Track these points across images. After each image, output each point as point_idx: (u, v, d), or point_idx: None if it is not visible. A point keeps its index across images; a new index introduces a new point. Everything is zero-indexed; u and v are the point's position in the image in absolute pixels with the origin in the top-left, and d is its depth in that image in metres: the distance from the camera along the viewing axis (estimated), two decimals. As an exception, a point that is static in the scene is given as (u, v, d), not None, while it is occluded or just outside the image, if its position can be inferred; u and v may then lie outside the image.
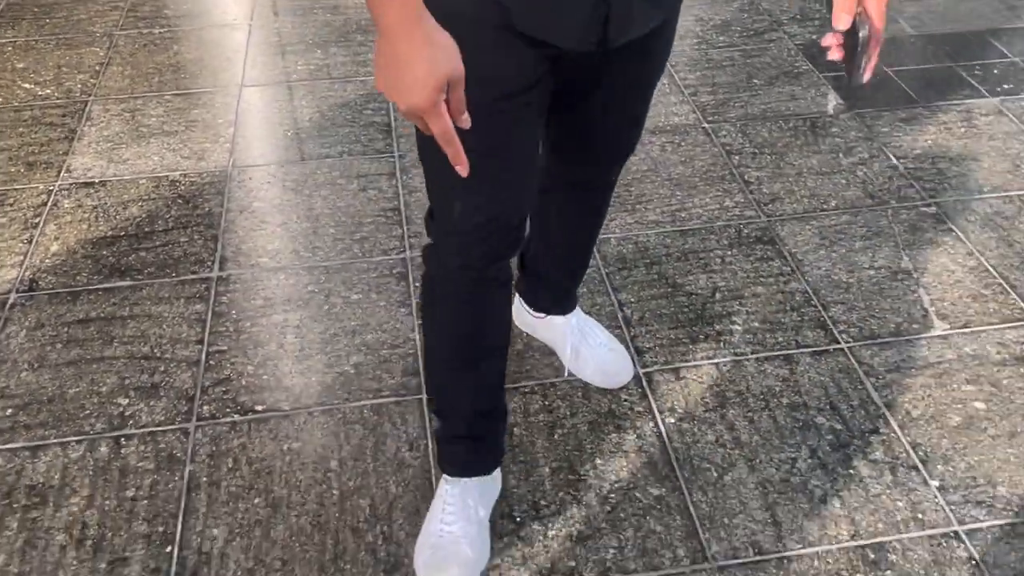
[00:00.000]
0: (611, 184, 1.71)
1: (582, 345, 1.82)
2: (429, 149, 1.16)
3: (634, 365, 1.75)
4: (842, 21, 0.99)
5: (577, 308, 1.88)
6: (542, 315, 1.87)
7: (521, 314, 1.93)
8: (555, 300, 1.85)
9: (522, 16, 1.11)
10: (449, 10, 1.03)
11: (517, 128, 1.28)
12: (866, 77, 1.05)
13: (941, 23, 3.08)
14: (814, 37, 2.97)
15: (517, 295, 1.88)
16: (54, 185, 2.37)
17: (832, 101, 2.71)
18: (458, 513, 1.50)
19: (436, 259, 1.39)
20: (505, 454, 1.60)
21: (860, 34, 0.99)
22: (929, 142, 2.52)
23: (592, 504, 1.59)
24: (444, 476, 1.55)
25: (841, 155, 2.49)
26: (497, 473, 1.61)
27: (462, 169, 1.03)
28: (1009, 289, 1.99)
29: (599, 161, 1.58)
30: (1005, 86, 2.74)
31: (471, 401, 1.53)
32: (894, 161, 2.43)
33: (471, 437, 1.54)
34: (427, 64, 0.97)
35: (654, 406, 1.76)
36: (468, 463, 1.55)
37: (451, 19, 1.04)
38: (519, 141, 1.30)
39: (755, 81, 2.76)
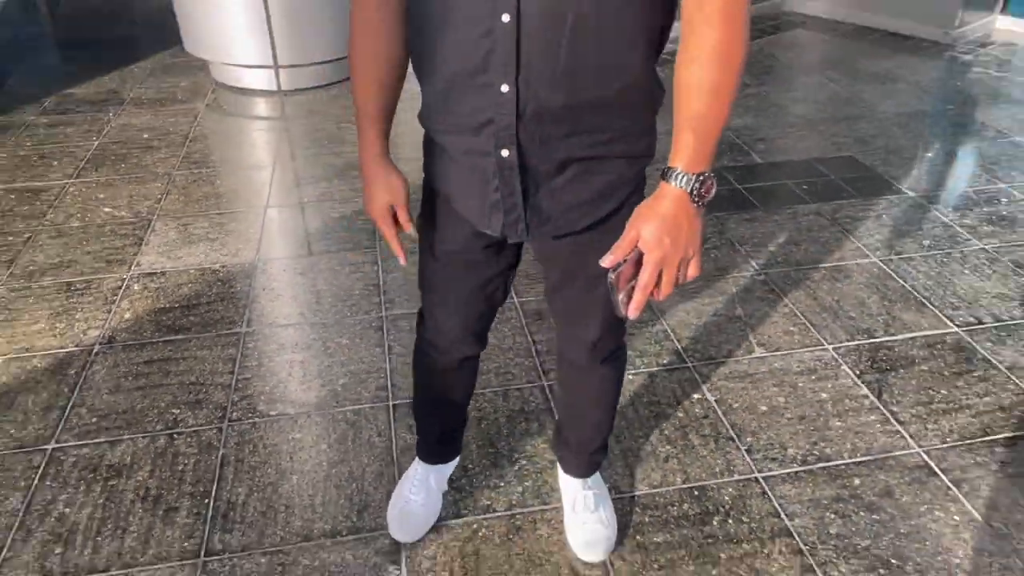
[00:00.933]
0: (599, 373, 1.47)
1: (578, 508, 1.64)
2: (420, 273, 1.37)
3: (616, 543, 1.63)
4: (605, 261, 0.95)
5: (596, 475, 1.71)
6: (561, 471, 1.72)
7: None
8: (570, 463, 1.69)
9: (457, 204, 1.18)
10: (427, 184, 1.24)
11: (456, 280, 1.32)
12: (624, 312, 0.96)
13: (783, 154, 3.40)
14: None
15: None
16: (127, 275, 2.58)
17: None
18: (420, 487, 1.67)
19: (418, 340, 1.51)
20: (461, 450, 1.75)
21: (609, 277, 0.92)
22: (764, 234, 2.79)
23: (504, 466, 1.85)
24: (417, 458, 1.71)
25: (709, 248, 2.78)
26: (455, 459, 1.75)
27: (401, 260, 1.25)
28: (811, 327, 2.28)
29: (574, 342, 1.41)
30: (823, 196, 3.03)
31: (438, 428, 1.67)
32: (737, 247, 2.71)
33: (438, 442, 1.70)
34: (379, 192, 1.22)
35: (553, 406, 2.01)
36: (435, 456, 1.71)
37: (425, 188, 1.26)
38: (455, 289, 1.34)
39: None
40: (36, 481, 1.80)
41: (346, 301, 2.47)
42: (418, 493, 1.67)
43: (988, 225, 2.83)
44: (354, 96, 1.18)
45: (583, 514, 1.62)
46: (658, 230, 0.92)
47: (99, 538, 1.66)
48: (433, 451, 1.71)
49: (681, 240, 0.93)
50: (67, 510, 1.73)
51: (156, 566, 1.60)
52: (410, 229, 1.27)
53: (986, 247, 2.69)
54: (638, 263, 0.93)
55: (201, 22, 4.10)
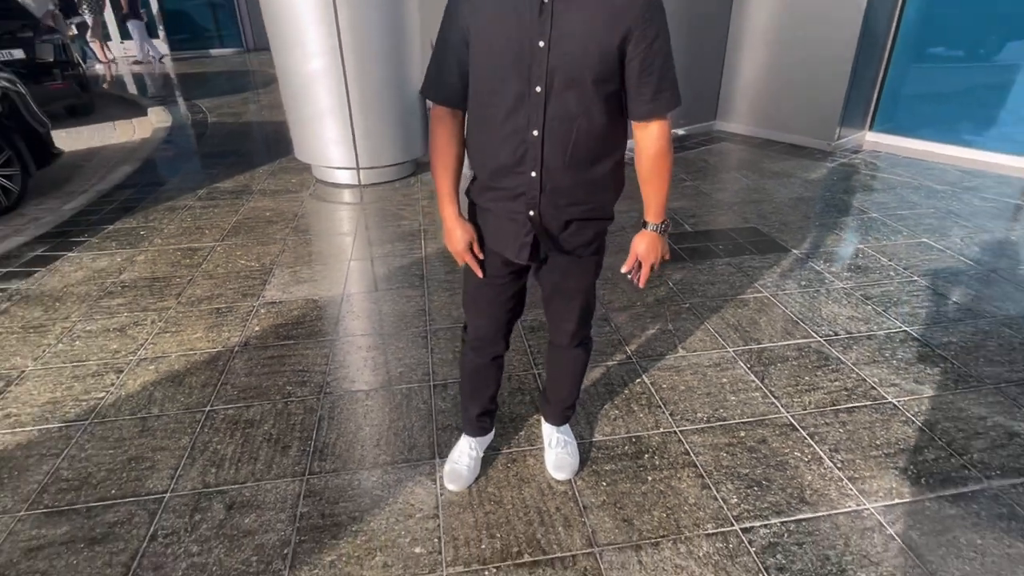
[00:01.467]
0: (573, 353, 1.65)
1: (553, 445, 1.82)
2: (465, 296, 1.51)
3: (577, 469, 1.80)
4: (624, 268, 1.38)
5: (566, 426, 1.86)
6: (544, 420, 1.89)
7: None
8: (549, 414, 1.84)
9: (497, 245, 1.39)
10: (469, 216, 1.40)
11: (492, 296, 1.48)
12: (641, 285, 1.39)
13: (706, 226, 3.51)
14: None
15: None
16: (255, 303, 2.78)
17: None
18: (465, 455, 1.77)
19: (463, 344, 1.65)
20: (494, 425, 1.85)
21: (629, 274, 1.39)
22: (691, 278, 2.92)
23: (506, 422, 2.00)
24: (463, 433, 1.81)
25: (648, 284, 2.93)
26: (491, 433, 1.85)
27: (479, 272, 1.40)
28: (719, 337, 2.45)
29: (559, 332, 1.59)
30: (733, 253, 3.15)
31: (478, 409, 1.74)
32: (671, 286, 2.86)
33: (478, 420, 1.77)
34: (460, 235, 1.37)
35: (539, 383, 2.16)
36: (476, 431, 1.79)
37: (470, 220, 1.41)
38: (491, 302, 1.49)
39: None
40: (198, 429, 2.03)
41: (402, 319, 2.66)
42: (462, 459, 1.77)
43: (847, 272, 3.02)
44: (438, 182, 1.36)
45: (557, 448, 1.82)
46: (646, 250, 1.36)
47: (239, 464, 1.89)
48: (475, 427, 1.78)
49: (656, 252, 1.37)
50: (218, 447, 1.95)
51: (276, 480, 1.82)
52: (482, 256, 1.43)
53: (844, 286, 2.88)
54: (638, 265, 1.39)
55: (306, 137, 4.39)
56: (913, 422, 2.00)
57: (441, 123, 1.32)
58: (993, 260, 3.04)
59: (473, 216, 1.44)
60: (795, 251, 3.24)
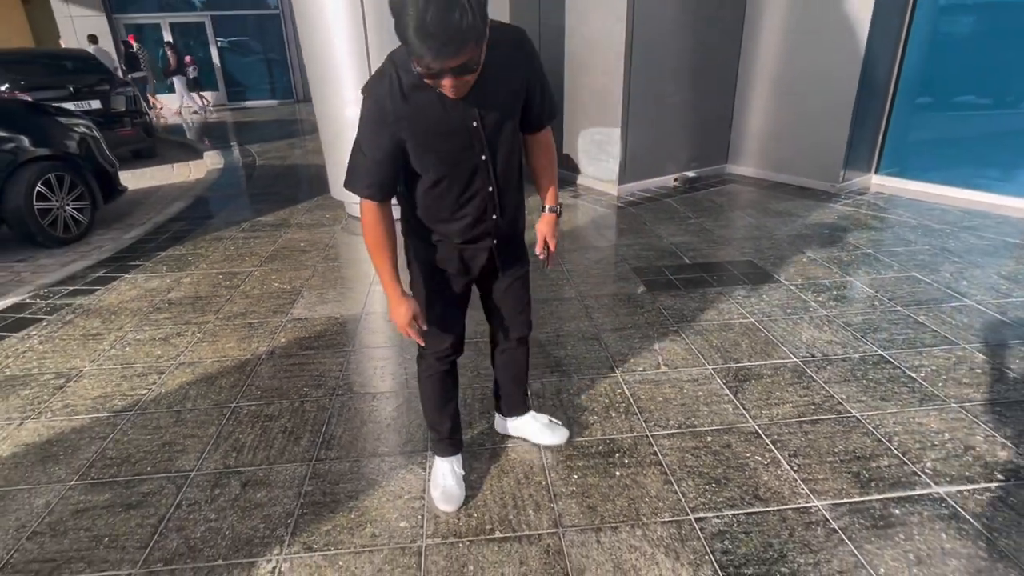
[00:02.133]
0: (524, 346, 1.87)
1: (539, 418, 2.06)
2: (430, 326, 1.62)
3: (568, 433, 2.05)
4: (538, 250, 1.67)
5: (531, 410, 2.07)
6: (512, 417, 2.03)
7: (499, 422, 2.08)
8: (511, 407, 2.01)
9: (457, 269, 1.58)
10: (422, 260, 1.57)
11: (457, 309, 1.66)
12: (550, 266, 1.71)
13: (704, 258, 3.69)
14: (637, 265, 3.74)
15: (496, 412, 2.08)
16: (284, 319, 3.05)
17: (640, 288, 3.34)
18: (449, 475, 1.84)
19: (425, 367, 1.74)
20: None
21: (540, 255, 1.69)
22: (682, 304, 3.10)
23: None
24: (438, 458, 1.87)
25: (638, 309, 3.08)
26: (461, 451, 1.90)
27: (422, 343, 1.60)
28: (700, 356, 2.59)
29: (508, 331, 1.80)
30: (726, 283, 3.32)
31: (449, 423, 1.83)
32: (662, 311, 3.04)
33: (450, 436, 1.84)
34: (405, 310, 1.49)
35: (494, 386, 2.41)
36: (451, 448, 1.87)
37: (424, 265, 1.56)
38: (456, 315, 1.67)
39: (608, 279, 3.50)
40: (224, 421, 2.30)
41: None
42: (448, 479, 1.82)
43: (832, 302, 3.14)
44: (382, 266, 1.47)
45: (541, 419, 2.07)
46: (551, 230, 1.69)
47: (256, 450, 2.14)
48: (450, 445, 1.86)
49: (556, 231, 1.69)
50: (240, 436, 2.21)
51: (286, 464, 2.06)
52: (424, 327, 1.57)
53: (827, 314, 3.01)
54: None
55: (340, 177, 4.80)
56: (873, 434, 2.12)
57: (379, 213, 1.44)
58: (979, 293, 3.13)
59: (421, 250, 1.60)
60: (786, 282, 3.38)
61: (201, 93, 13.64)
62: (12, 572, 1.66)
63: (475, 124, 1.39)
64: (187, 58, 13.28)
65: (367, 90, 1.38)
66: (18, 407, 2.44)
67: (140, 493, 1.94)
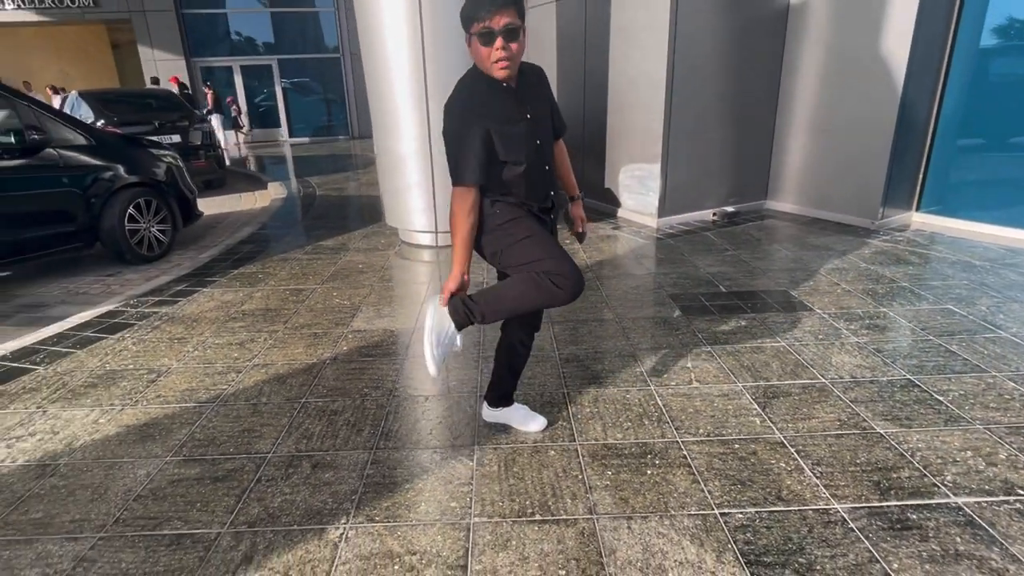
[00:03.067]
0: (532, 341, 2.26)
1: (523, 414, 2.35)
2: (549, 260, 1.86)
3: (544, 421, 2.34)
4: (577, 228, 2.15)
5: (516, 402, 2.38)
6: (500, 408, 2.33)
7: (487, 412, 2.38)
8: (505, 398, 2.34)
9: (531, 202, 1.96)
10: (523, 221, 1.93)
11: (555, 242, 1.96)
12: (586, 233, 2.20)
13: (739, 287, 3.83)
14: (673, 291, 3.94)
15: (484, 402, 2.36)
16: (345, 330, 3.35)
17: (676, 312, 3.53)
18: (521, 410, 2.34)
19: (538, 278, 1.84)
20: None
21: (580, 231, 2.18)
22: (715, 328, 3.25)
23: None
24: (504, 407, 2.32)
25: (673, 331, 3.25)
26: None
27: (447, 295, 1.91)
28: (731, 374, 2.72)
29: (535, 324, 2.21)
30: (759, 310, 3.45)
31: (514, 380, 2.29)
32: (696, 334, 3.20)
33: (511, 392, 2.31)
34: (464, 279, 1.89)
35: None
36: (511, 401, 2.32)
37: (525, 222, 1.92)
38: (556, 245, 1.95)
39: (645, 304, 3.72)
40: (295, 414, 2.57)
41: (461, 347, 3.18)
42: (528, 411, 2.37)
43: (865, 330, 3.24)
44: (467, 245, 1.84)
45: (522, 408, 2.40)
46: (581, 212, 2.19)
47: (324, 438, 2.39)
48: (511, 394, 2.33)
49: (583, 214, 2.20)
50: (309, 426, 2.48)
51: (350, 451, 2.30)
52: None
53: (859, 341, 3.11)
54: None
55: (395, 206, 5.15)
56: (895, 448, 2.23)
57: (474, 200, 1.82)
58: (1016, 326, 3.19)
59: (516, 215, 1.95)
60: (819, 311, 3.49)
61: (240, 131, 14.64)
62: (124, 526, 1.95)
63: (528, 116, 1.88)
64: (228, 99, 14.35)
65: (452, 103, 1.83)
66: (119, 395, 2.78)
67: (225, 469, 2.22)
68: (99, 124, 7.32)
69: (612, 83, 5.75)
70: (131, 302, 4.03)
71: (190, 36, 15.47)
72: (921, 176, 5.26)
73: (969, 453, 2.18)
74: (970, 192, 5.01)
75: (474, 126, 1.79)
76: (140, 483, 2.15)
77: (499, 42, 1.71)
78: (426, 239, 5.16)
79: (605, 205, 6.27)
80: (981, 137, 4.94)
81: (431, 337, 1.86)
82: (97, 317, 3.77)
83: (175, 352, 3.22)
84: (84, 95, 8.16)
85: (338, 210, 6.94)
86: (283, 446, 2.34)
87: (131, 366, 3.08)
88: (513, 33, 1.72)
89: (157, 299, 4.06)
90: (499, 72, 1.77)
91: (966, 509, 1.92)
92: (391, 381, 2.82)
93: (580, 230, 2.17)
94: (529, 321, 2.16)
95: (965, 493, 1.99)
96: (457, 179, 1.83)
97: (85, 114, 7.65)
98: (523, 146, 1.86)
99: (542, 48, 6.78)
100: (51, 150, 4.47)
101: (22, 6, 14.63)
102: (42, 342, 3.41)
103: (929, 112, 5.09)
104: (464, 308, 1.89)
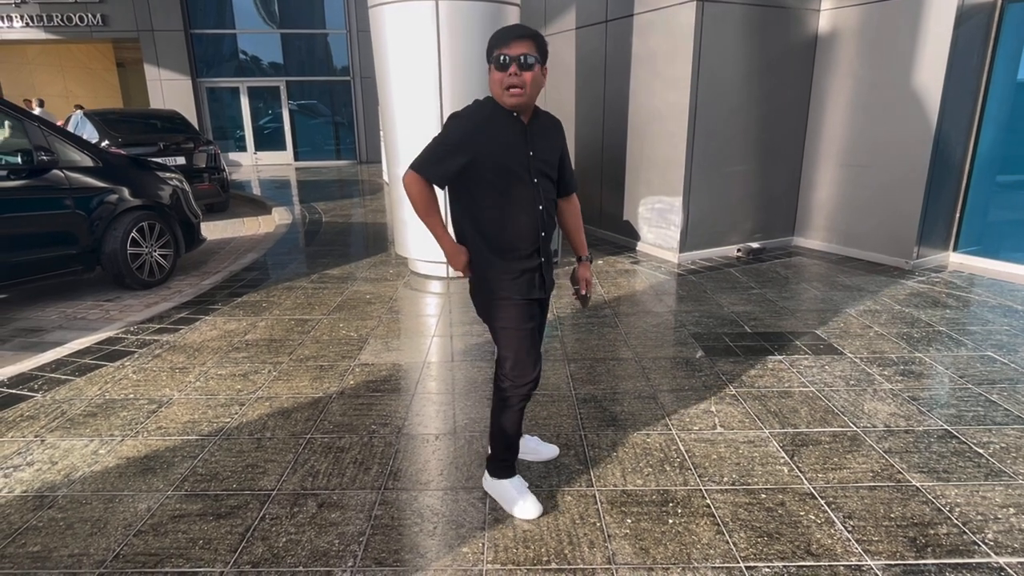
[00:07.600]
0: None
1: (533, 444, 2.44)
2: (519, 354, 1.98)
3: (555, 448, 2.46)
4: (583, 289, 2.16)
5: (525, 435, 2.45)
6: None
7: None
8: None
9: (523, 295, 1.98)
10: (502, 295, 1.99)
11: (534, 334, 2.02)
12: (589, 299, 2.20)
13: (765, 328, 3.91)
14: (696, 330, 4.03)
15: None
16: (352, 363, 3.42)
17: (699, 352, 3.61)
18: (523, 487, 2.19)
19: (505, 395, 2.03)
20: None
21: (581, 292, 2.18)
22: (740, 370, 3.30)
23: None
24: (504, 479, 2.20)
25: (696, 372, 3.30)
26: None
27: (468, 273, 2.03)
28: (757, 420, 2.76)
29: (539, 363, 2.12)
30: (787, 352, 3.51)
31: (514, 453, 2.19)
32: (720, 376, 3.25)
33: (512, 461, 2.20)
34: (459, 256, 1.98)
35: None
36: (512, 472, 2.21)
37: (506, 302, 1.99)
38: (535, 340, 2.01)
39: (665, 343, 3.79)
40: (300, 450, 2.62)
41: (472, 384, 3.20)
42: (525, 490, 2.20)
43: (899, 376, 3.27)
44: (436, 224, 1.95)
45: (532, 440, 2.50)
46: (588, 274, 2.17)
47: (330, 476, 2.43)
48: (511, 467, 2.20)
49: (591, 276, 2.14)
50: (315, 464, 2.51)
51: (358, 490, 2.35)
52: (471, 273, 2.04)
53: (892, 388, 3.14)
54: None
55: (406, 236, 5.28)
56: (933, 503, 2.25)
57: (429, 189, 1.94)
58: (1059, 375, 3.20)
59: (490, 291, 2.01)
60: (850, 355, 3.53)
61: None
62: (123, 562, 2.00)
63: (531, 154, 1.96)
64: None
65: (457, 112, 1.95)
66: (119, 426, 2.86)
67: (228, 506, 2.28)
68: (104, 144, 7.58)
69: (632, 112, 5.92)
70: (131, 329, 4.14)
71: (197, 56, 16.05)
72: (958, 214, 5.33)
73: (1011, 510, 2.20)
74: (1011, 232, 5.06)
75: (465, 145, 1.89)
76: (141, 518, 2.21)
77: (513, 68, 1.82)
78: (434, 270, 5.28)
79: (624, 238, 6.36)
80: (1021, 173, 5.01)
81: (507, 506, 2.19)
82: (96, 343, 3.87)
83: (176, 382, 3.30)
84: (89, 115, 8.47)
85: (345, 237, 7.11)
86: (288, 483, 2.39)
87: (131, 395, 3.16)
88: (527, 63, 1.84)
89: (158, 326, 4.17)
90: (509, 99, 1.87)
91: (1008, 570, 1.93)
92: (400, 418, 2.87)
93: (584, 293, 2.18)
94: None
95: (1008, 552, 2.00)
96: (415, 165, 1.92)
97: (89, 134, 7.94)
98: (513, 178, 1.92)
99: (562, 75, 7.00)
100: (58, 171, 4.66)
101: (31, 24, 15.30)
102: (40, 368, 3.51)
103: (965, 147, 5.18)
104: (490, 465, 2.24)
